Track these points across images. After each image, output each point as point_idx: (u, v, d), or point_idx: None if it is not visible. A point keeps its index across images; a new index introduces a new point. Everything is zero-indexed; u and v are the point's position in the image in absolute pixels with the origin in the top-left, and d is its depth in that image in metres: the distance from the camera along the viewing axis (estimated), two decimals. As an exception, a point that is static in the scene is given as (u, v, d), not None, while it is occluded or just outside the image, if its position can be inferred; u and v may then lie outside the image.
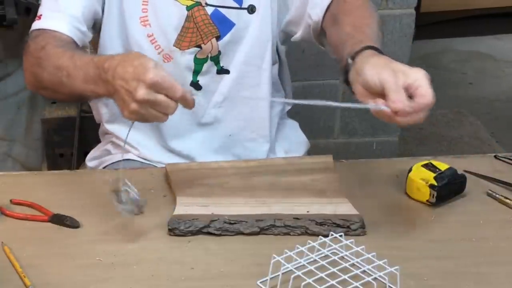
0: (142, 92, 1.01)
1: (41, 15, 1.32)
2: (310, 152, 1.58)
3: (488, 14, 4.48)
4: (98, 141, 1.55)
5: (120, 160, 1.46)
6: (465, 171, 1.26)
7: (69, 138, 2.09)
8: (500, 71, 3.97)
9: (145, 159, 1.45)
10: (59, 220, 1.13)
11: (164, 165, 1.31)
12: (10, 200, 1.19)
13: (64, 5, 1.31)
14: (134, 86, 1.02)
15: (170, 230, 1.10)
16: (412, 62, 2.60)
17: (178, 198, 1.17)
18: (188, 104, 1.06)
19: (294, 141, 1.55)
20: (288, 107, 1.57)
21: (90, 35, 1.36)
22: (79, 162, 1.61)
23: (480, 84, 3.80)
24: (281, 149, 1.50)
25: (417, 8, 2.45)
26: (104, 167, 1.47)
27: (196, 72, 1.40)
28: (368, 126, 2.57)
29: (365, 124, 2.57)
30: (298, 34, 1.42)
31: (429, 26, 4.08)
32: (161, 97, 1.02)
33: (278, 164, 1.29)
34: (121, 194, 1.09)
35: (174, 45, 1.37)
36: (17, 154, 1.82)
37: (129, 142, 1.45)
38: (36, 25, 1.31)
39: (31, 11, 1.56)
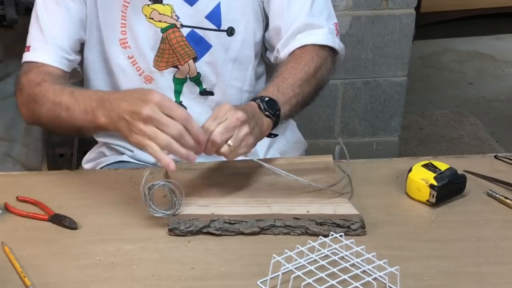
0: (147, 109, 1.06)
1: (29, 46, 1.35)
2: (309, 152, 1.58)
3: (488, 14, 4.48)
4: (97, 142, 1.55)
5: (115, 162, 1.46)
6: (465, 171, 1.26)
7: (69, 138, 2.09)
8: (500, 71, 3.97)
9: (139, 161, 1.45)
10: (58, 220, 1.13)
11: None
12: (16, 197, 1.19)
13: (50, 37, 1.33)
14: (139, 105, 1.07)
15: (170, 230, 1.10)
16: (412, 62, 2.61)
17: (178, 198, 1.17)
18: (192, 128, 1.08)
19: (291, 141, 1.55)
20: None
21: (79, 58, 1.39)
22: (79, 162, 1.61)
23: (480, 84, 3.80)
24: (276, 151, 1.50)
25: (417, 8, 2.46)
26: (101, 169, 1.48)
27: (177, 92, 1.40)
28: (368, 126, 2.57)
29: (365, 124, 2.57)
30: (271, 57, 1.43)
31: (429, 26, 4.09)
32: (166, 117, 1.06)
33: (278, 164, 1.29)
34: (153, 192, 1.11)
35: (153, 66, 1.38)
36: (17, 154, 1.82)
37: (123, 145, 1.46)
38: (26, 57, 1.35)
39: (31, 11, 1.56)
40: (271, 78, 1.33)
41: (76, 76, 1.43)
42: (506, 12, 4.52)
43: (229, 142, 1.11)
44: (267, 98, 1.22)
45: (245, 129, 1.12)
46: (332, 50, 1.39)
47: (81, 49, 1.40)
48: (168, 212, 1.12)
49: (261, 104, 1.21)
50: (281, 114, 1.24)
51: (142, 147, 1.09)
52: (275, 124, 1.23)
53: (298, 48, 1.36)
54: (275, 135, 1.29)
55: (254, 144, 1.17)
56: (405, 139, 2.90)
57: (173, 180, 1.13)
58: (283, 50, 1.38)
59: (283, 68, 1.33)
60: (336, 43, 1.39)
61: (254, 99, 1.24)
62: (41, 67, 1.32)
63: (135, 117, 1.07)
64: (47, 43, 1.34)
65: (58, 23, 1.35)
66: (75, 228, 1.12)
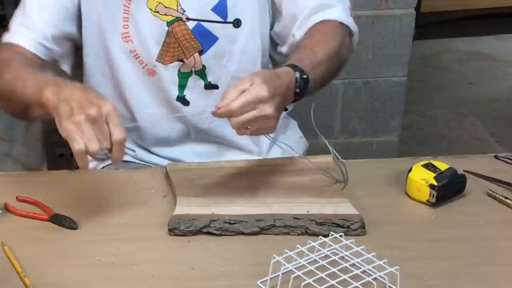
0: (95, 110, 1.04)
1: (9, 27, 1.35)
2: (309, 152, 1.58)
3: (488, 14, 4.48)
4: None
5: None
6: (465, 171, 1.26)
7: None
8: (500, 71, 3.97)
9: (140, 161, 1.45)
10: (58, 220, 1.13)
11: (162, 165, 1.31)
12: (16, 197, 1.19)
13: (31, 21, 1.33)
14: (92, 102, 1.05)
15: (170, 230, 1.10)
16: (412, 62, 2.61)
17: (178, 198, 1.17)
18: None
19: (292, 141, 1.55)
20: (290, 107, 1.57)
21: (58, 50, 1.36)
22: (79, 162, 1.61)
23: (480, 84, 3.80)
24: (277, 150, 1.50)
25: (417, 8, 2.46)
26: (101, 169, 1.47)
27: (182, 86, 1.40)
28: (368, 126, 2.57)
29: (365, 124, 2.57)
30: (284, 49, 1.42)
31: (429, 26, 4.08)
32: (106, 128, 1.04)
33: (278, 164, 1.29)
34: None
35: (157, 60, 1.37)
36: (17, 154, 1.82)
37: (125, 145, 1.46)
38: (4, 38, 1.35)
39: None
40: (297, 46, 1.31)
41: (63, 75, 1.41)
42: (506, 12, 4.51)
43: (248, 130, 1.11)
44: (305, 76, 1.19)
45: (270, 123, 1.12)
46: (348, 30, 1.38)
47: (66, 44, 1.38)
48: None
49: (299, 79, 1.18)
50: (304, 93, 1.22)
51: (68, 138, 1.06)
52: (293, 101, 1.22)
53: (318, 23, 1.34)
54: (286, 109, 1.28)
55: (275, 125, 1.14)
56: (405, 139, 2.90)
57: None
58: (298, 31, 1.36)
59: (309, 40, 1.31)
60: (350, 23, 1.39)
61: (294, 68, 1.19)
62: (15, 47, 1.32)
63: (82, 110, 1.04)
64: (27, 26, 1.33)
65: (44, 9, 1.34)
66: (75, 228, 1.12)
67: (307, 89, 1.20)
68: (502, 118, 3.39)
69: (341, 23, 1.36)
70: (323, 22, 1.34)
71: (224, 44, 1.38)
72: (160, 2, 1.34)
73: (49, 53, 1.35)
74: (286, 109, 1.27)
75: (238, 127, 1.10)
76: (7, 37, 1.34)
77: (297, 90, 1.18)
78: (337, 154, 1.23)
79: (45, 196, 1.20)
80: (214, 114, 1.10)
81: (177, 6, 1.34)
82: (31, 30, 1.33)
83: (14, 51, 1.31)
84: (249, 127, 1.10)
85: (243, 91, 1.09)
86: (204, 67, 1.39)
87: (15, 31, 1.34)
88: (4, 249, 1.05)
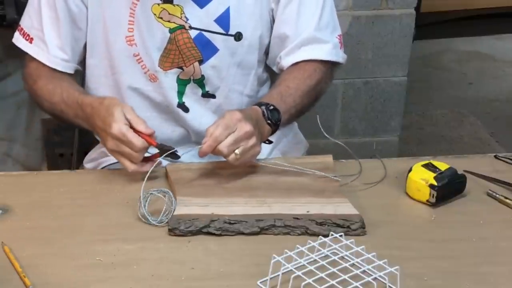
0: (109, 144, 1.22)
1: (32, 38, 1.39)
2: (309, 152, 1.58)
3: (488, 14, 4.48)
4: (98, 141, 1.55)
5: (116, 162, 1.46)
6: (465, 171, 1.26)
7: (69, 138, 2.09)
8: (500, 71, 3.97)
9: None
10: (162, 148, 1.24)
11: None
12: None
13: (48, 35, 1.38)
14: (103, 136, 1.24)
15: (170, 230, 1.10)
16: (412, 62, 2.61)
17: (178, 198, 1.17)
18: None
19: (292, 142, 1.55)
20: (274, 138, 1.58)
21: (76, 59, 1.42)
22: (79, 162, 1.61)
23: (480, 84, 3.80)
24: (278, 152, 1.50)
25: (417, 8, 2.46)
26: (102, 169, 1.47)
27: (180, 93, 1.40)
28: (368, 126, 2.57)
29: (365, 124, 2.56)
30: (275, 68, 1.45)
31: (429, 26, 4.08)
32: (124, 149, 1.20)
33: (278, 164, 1.29)
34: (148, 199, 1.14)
35: (158, 66, 1.38)
36: (17, 154, 1.82)
37: None
38: (27, 47, 1.40)
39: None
40: (274, 84, 1.38)
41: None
42: (506, 12, 4.51)
43: (236, 151, 1.18)
44: (271, 107, 1.28)
45: (252, 141, 1.19)
46: (333, 62, 1.43)
47: (78, 48, 1.41)
48: (159, 219, 1.13)
49: (265, 111, 1.27)
50: (280, 123, 1.29)
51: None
52: (273, 132, 1.29)
53: (302, 61, 1.38)
54: (270, 142, 1.32)
55: (259, 152, 1.23)
56: (405, 139, 2.90)
57: (165, 189, 1.15)
58: (285, 58, 1.39)
59: (287, 76, 1.37)
60: (340, 57, 1.43)
61: (259, 105, 1.28)
62: (38, 63, 1.39)
63: (104, 142, 1.24)
64: (44, 41, 1.37)
65: (57, 22, 1.36)
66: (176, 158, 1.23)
67: (278, 120, 1.29)
68: (502, 118, 3.39)
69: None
70: (308, 61, 1.38)
71: (224, 56, 1.38)
72: (164, 9, 1.34)
73: (68, 65, 1.40)
74: (271, 142, 1.31)
75: (235, 161, 1.19)
76: (30, 49, 1.39)
77: (269, 122, 1.27)
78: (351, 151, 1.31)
79: (45, 196, 1.21)
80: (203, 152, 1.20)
81: (181, 14, 1.34)
82: (48, 45, 1.38)
83: (37, 67, 1.39)
84: (236, 152, 1.18)
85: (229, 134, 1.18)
86: (203, 76, 1.39)
87: (37, 44, 1.38)
88: (4, 249, 1.05)
